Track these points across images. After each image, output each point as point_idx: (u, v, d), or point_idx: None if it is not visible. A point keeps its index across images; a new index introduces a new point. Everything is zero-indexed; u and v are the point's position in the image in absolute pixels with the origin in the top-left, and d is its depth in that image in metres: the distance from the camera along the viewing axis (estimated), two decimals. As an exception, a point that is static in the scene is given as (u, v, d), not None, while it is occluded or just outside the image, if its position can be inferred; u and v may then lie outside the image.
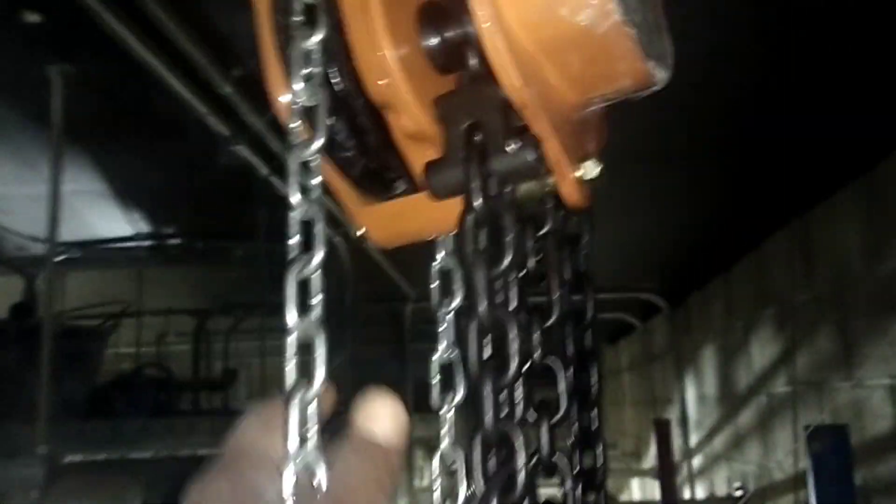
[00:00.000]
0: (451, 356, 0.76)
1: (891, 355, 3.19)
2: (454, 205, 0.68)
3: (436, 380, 0.77)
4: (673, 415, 6.68)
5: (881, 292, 3.06)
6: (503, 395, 0.60)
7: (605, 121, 0.78)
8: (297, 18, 0.62)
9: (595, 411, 0.86)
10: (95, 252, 4.17)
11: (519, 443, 0.61)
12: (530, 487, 0.62)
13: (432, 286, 0.85)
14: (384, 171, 0.75)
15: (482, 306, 0.61)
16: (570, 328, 0.85)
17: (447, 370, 0.76)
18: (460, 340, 0.71)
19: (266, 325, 4.37)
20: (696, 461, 6.28)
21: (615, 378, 10.11)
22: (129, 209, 3.76)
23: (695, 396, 6.40)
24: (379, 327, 6.77)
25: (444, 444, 0.71)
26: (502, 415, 0.61)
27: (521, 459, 0.61)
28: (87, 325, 2.84)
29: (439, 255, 0.86)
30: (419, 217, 0.75)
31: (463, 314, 0.65)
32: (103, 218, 3.85)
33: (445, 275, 0.85)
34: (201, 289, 5.93)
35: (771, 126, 3.08)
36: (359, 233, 0.79)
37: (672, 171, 3.74)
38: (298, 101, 0.62)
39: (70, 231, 4.06)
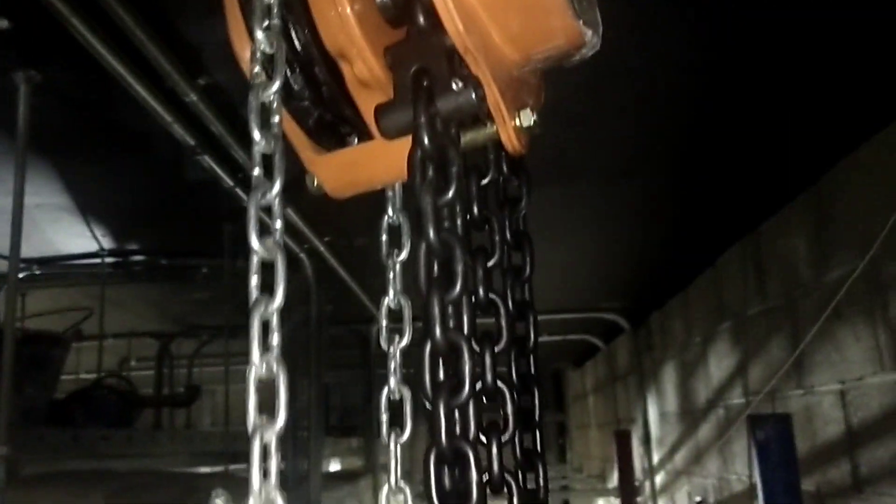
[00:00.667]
0: (401, 392, 0.82)
1: (839, 361, 3.30)
2: (403, 153, 0.74)
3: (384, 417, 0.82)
4: (636, 433, 6.76)
5: (829, 300, 3.18)
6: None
7: (543, 83, 0.85)
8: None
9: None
10: (56, 268, 4.15)
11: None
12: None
13: (382, 238, 0.91)
14: (337, 121, 0.81)
15: (431, 234, 0.67)
16: (510, 279, 0.91)
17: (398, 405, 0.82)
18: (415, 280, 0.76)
19: (230, 348, 4.35)
20: (659, 478, 6.35)
21: (581, 401, 10.18)
22: (92, 224, 3.75)
23: (657, 414, 6.49)
24: (345, 350, 6.76)
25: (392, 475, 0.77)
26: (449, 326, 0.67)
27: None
28: (48, 331, 2.82)
29: (389, 210, 0.92)
30: (370, 165, 0.82)
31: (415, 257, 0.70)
32: (65, 233, 3.83)
33: (394, 229, 0.91)
34: (164, 310, 5.89)
35: (721, 143, 3.21)
36: (313, 184, 0.85)
37: (629, 191, 3.86)
38: (259, 48, 0.68)
39: (31, 247, 4.03)
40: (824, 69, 2.58)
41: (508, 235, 0.90)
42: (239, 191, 3.18)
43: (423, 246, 0.67)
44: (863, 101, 2.80)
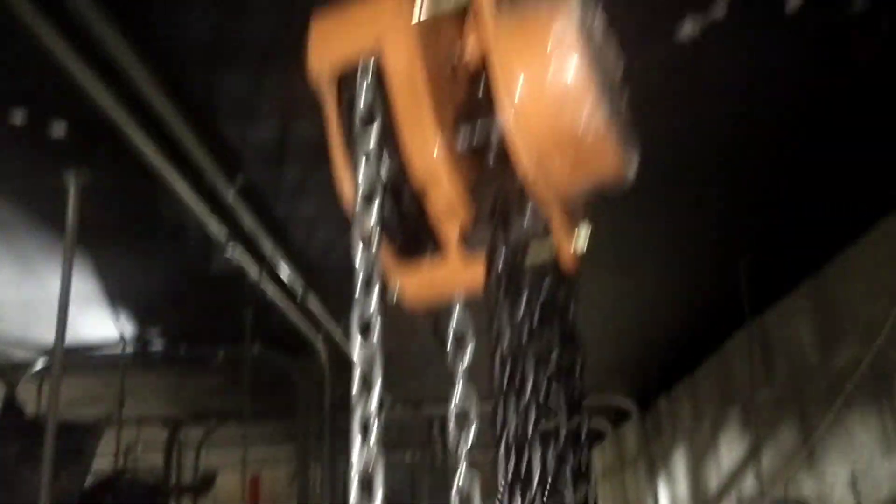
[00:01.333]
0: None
1: (849, 446, 3.36)
2: (476, 269, 0.87)
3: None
4: (647, 521, 6.68)
5: (837, 385, 3.27)
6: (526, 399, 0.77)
7: (586, 210, 0.99)
8: (360, 122, 0.83)
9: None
10: (77, 357, 4.22)
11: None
12: None
13: (448, 348, 1.04)
14: (421, 245, 0.95)
15: (507, 338, 0.79)
16: (565, 379, 1.02)
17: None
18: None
19: (247, 433, 4.38)
20: (672, 568, 6.24)
21: (587, 488, 10.00)
22: (116, 312, 3.86)
23: (668, 502, 6.43)
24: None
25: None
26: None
27: None
28: (82, 422, 2.89)
29: (454, 319, 1.05)
30: (446, 280, 0.94)
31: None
32: (88, 320, 3.94)
33: (460, 338, 1.04)
34: (174, 396, 5.92)
35: (726, 231, 3.36)
36: (395, 292, 0.97)
37: (634, 278, 4.00)
38: (360, 186, 0.82)
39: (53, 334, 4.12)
40: (829, 161, 2.74)
41: (562, 340, 1.02)
42: (264, 282, 3.32)
43: (499, 353, 0.78)
44: (864, 192, 2.95)
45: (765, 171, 2.83)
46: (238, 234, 2.89)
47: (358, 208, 0.82)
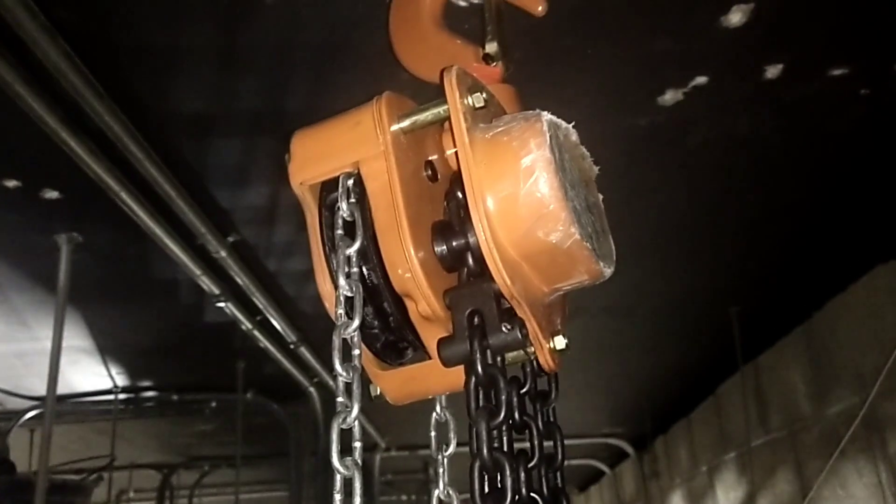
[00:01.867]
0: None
1: (844, 496, 3.34)
2: (455, 371, 0.89)
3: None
4: (645, 565, 6.60)
5: (831, 434, 3.26)
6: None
7: (566, 303, 1.01)
8: (340, 233, 0.85)
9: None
10: (69, 406, 4.21)
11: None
12: None
13: (432, 435, 1.05)
14: (400, 344, 0.96)
15: (485, 451, 0.80)
16: (545, 470, 1.03)
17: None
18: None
19: (240, 477, 4.36)
20: None
21: (585, 528, 9.92)
22: (107, 364, 3.86)
23: (665, 544, 6.36)
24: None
25: None
26: (502, 536, 0.79)
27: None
28: (73, 480, 2.87)
29: (437, 408, 1.07)
30: (427, 380, 0.96)
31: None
32: (82, 371, 3.93)
33: (442, 425, 1.06)
34: (166, 441, 5.88)
35: (717, 278, 3.38)
36: (375, 393, 0.98)
37: (630, 325, 4.01)
38: (342, 293, 0.83)
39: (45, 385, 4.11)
40: (819, 212, 2.78)
41: (541, 427, 1.03)
42: (256, 332, 3.32)
43: (478, 464, 0.79)
44: (850, 244, 2.99)
45: (753, 223, 2.86)
46: (230, 289, 2.90)
47: (339, 321, 0.83)
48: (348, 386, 0.81)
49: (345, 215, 0.83)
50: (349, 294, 0.83)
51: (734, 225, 2.84)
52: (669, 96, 2.04)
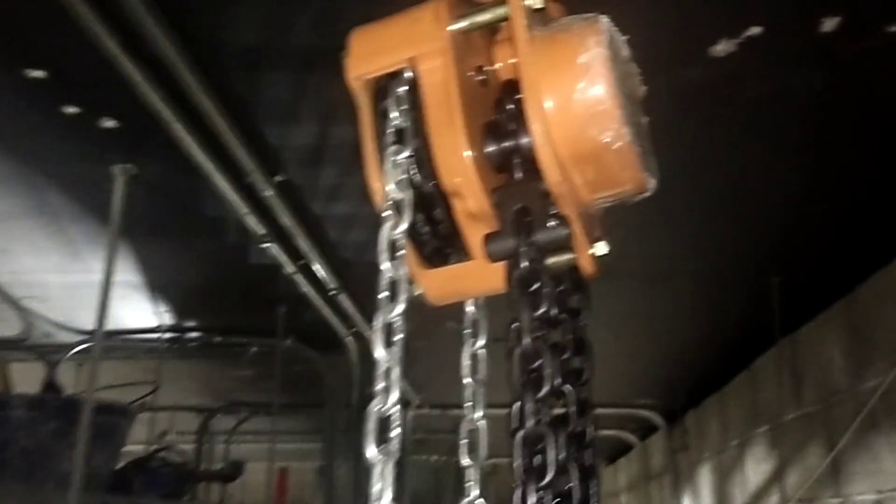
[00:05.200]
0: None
1: (876, 471, 3.32)
2: (498, 271, 0.92)
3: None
4: (669, 536, 6.63)
5: (864, 409, 3.23)
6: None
7: (605, 217, 1.03)
8: (393, 130, 0.88)
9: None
10: (117, 342, 4.35)
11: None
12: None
13: (464, 330, 1.09)
14: (445, 249, 0.99)
15: (527, 339, 0.83)
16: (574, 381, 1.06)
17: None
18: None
19: (276, 425, 4.48)
20: (693, 585, 6.19)
21: (613, 500, 9.97)
22: (155, 301, 3.97)
23: (691, 517, 6.38)
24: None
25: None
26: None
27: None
28: (118, 402, 3.00)
29: (469, 307, 1.11)
30: (468, 279, 0.99)
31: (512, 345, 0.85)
32: (130, 308, 4.06)
33: (475, 322, 1.10)
34: (207, 385, 6.05)
35: (758, 250, 3.35)
36: (417, 293, 1.02)
37: (667, 292, 3.99)
38: (391, 196, 0.86)
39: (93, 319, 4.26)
40: (866, 181, 2.73)
41: (572, 342, 1.06)
42: (298, 277, 3.39)
43: (518, 351, 0.83)
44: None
45: (801, 190, 2.82)
46: (275, 230, 2.96)
47: (386, 216, 0.86)
48: (393, 283, 0.83)
49: (399, 109, 0.86)
50: (399, 197, 0.86)
51: (781, 189, 2.80)
52: (721, 47, 2.02)
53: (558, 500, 0.92)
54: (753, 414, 4.84)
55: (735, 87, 2.19)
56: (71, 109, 2.27)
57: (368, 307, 4.07)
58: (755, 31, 1.95)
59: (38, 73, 2.12)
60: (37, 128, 2.40)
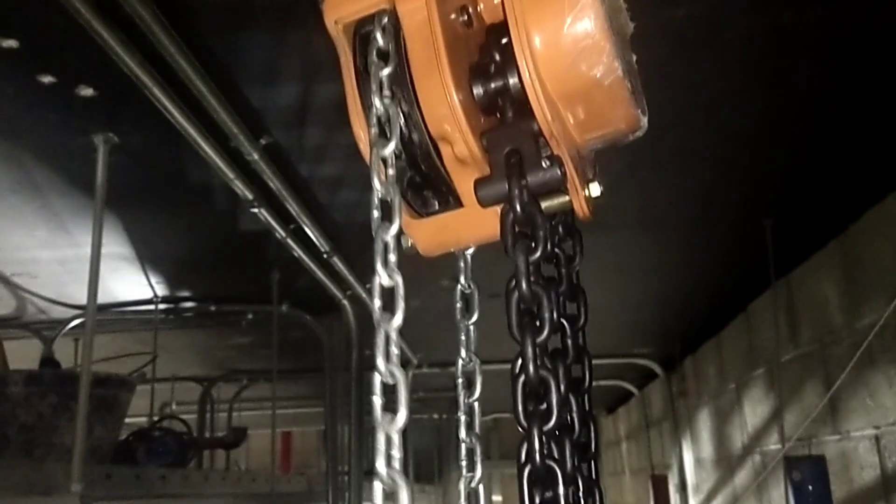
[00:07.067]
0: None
1: (873, 406, 3.35)
2: (489, 218, 0.89)
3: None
4: (672, 480, 6.74)
5: (861, 346, 3.25)
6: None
7: (597, 160, 1.00)
8: (375, 59, 0.84)
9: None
10: (112, 314, 4.34)
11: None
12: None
13: (457, 304, 1.08)
14: (434, 191, 0.96)
15: (524, 284, 0.81)
16: (569, 326, 1.04)
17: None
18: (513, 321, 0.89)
19: (277, 391, 4.49)
20: (695, 526, 6.31)
21: (614, 448, 10.12)
22: (147, 272, 3.94)
23: (692, 461, 6.47)
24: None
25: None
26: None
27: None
28: (117, 374, 2.99)
29: (461, 279, 1.10)
30: (460, 229, 0.97)
31: (509, 291, 0.83)
32: (123, 280, 4.03)
33: (466, 296, 1.09)
34: (206, 354, 6.06)
35: (750, 192, 3.33)
36: (407, 245, 0.99)
37: (660, 239, 3.98)
38: (376, 112, 0.83)
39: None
40: (857, 118, 2.71)
41: (566, 288, 1.04)
42: (290, 241, 3.36)
43: (516, 295, 0.81)
44: (891, 151, 2.91)
45: (792, 129, 2.79)
46: (264, 194, 2.92)
47: (374, 142, 0.83)
48: (385, 204, 0.80)
49: (380, 48, 0.82)
50: (382, 115, 0.82)
51: (772, 129, 2.77)
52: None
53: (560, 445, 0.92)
54: (750, 357, 4.87)
55: (723, 24, 2.14)
56: (46, 79, 2.21)
57: (362, 268, 4.08)
58: (744, -35, 1.90)
59: (9, 43, 2.06)
60: (12, 100, 2.34)
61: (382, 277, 0.76)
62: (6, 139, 2.58)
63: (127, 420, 3.04)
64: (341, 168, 2.91)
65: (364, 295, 4.23)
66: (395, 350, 0.74)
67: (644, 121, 0.91)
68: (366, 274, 4.21)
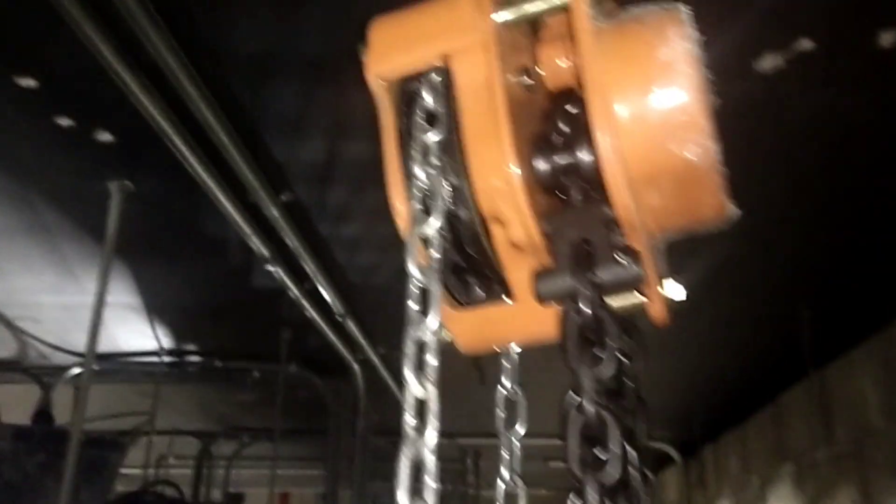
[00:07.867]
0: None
1: (916, 518, 3.11)
2: (544, 314, 0.74)
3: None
4: (684, 575, 6.39)
5: (904, 451, 3.04)
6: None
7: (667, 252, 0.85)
8: (422, 133, 0.71)
9: None
10: (115, 364, 4.19)
11: None
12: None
13: (498, 412, 0.92)
14: (479, 280, 0.81)
15: (589, 405, 0.65)
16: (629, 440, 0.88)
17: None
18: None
19: (278, 451, 4.30)
20: None
21: (621, 532, 9.70)
22: (154, 323, 3.81)
23: (707, 555, 6.13)
24: (385, 463, 6.62)
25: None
26: None
27: None
28: (109, 436, 2.82)
29: (506, 381, 0.94)
30: (506, 324, 0.81)
31: (571, 409, 0.68)
32: (127, 330, 3.90)
33: (511, 404, 0.93)
34: (208, 410, 5.87)
35: (786, 281, 3.17)
36: (447, 338, 0.84)
37: (691, 317, 3.81)
38: (418, 185, 0.69)
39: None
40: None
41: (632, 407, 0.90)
42: (304, 301, 3.22)
43: (581, 421, 0.65)
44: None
45: (838, 218, 2.65)
46: (280, 251, 2.80)
47: (414, 217, 0.69)
48: (425, 293, 0.66)
49: (430, 109, 0.69)
50: (426, 186, 0.69)
51: (820, 216, 2.63)
52: (768, 62, 1.86)
53: None
54: (778, 451, 4.62)
55: (782, 105, 2.02)
56: (64, 121, 2.12)
57: (376, 333, 3.92)
58: (805, 44, 1.79)
59: (29, 82, 1.98)
60: (28, 140, 2.25)
61: (414, 388, 0.62)
62: (20, 180, 2.49)
63: (122, 471, 2.87)
64: (362, 229, 2.79)
65: (375, 359, 4.06)
66: (431, 482, 0.59)
67: (732, 211, 0.77)
68: (378, 338, 4.07)
